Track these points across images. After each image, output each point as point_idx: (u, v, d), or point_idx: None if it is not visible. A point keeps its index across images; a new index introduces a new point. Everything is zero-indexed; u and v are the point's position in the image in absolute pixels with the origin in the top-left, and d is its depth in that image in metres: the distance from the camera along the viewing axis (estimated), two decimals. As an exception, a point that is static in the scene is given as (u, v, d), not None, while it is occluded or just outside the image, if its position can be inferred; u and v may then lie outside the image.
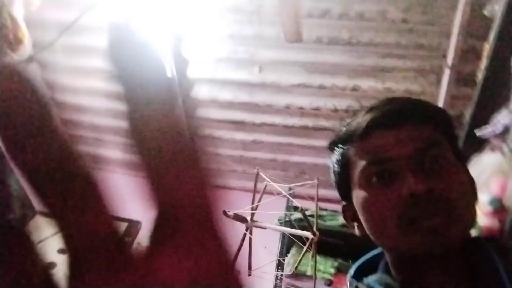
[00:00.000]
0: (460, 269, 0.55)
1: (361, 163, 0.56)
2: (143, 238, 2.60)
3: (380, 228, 0.55)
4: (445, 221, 0.50)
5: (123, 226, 2.75)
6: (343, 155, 0.61)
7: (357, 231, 0.63)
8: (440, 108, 0.61)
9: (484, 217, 1.39)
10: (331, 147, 0.64)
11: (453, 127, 0.61)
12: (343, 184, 0.62)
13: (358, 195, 0.58)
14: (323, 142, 2.60)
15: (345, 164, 0.60)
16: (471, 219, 0.55)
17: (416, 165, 0.52)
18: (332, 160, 0.64)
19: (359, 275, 0.62)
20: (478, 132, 1.46)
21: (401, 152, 0.53)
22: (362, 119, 0.58)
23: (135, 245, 2.62)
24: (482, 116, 1.68)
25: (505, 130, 1.29)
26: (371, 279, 0.57)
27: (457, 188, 0.52)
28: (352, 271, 0.64)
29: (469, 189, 0.56)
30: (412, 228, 0.51)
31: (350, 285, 0.60)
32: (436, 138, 0.55)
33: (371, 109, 0.59)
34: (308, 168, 2.80)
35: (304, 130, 2.60)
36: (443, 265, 0.54)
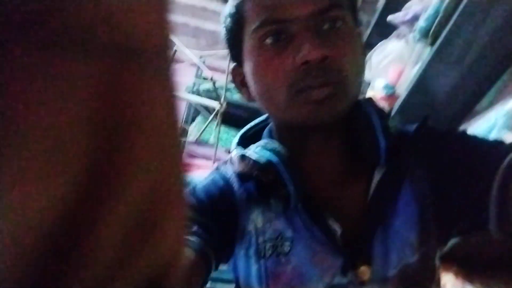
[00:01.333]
0: (342, 133, 0.57)
1: (256, 21, 0.51)
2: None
3: (268, 95, 0.53)
4: (334, 93, 0.49)
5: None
6: (237, 8, 0.54)
7: (245, 96, 0.61)
8: None
9: (377, 101, 1.52)
10: None
11: None
12: (235, 42, 0.56)
13: (249, 58, 0.54)
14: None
15: (238, 20, 0.54)
16: (358, 91, 0.55)
17: (313, 28, 0.49)
18: (225, 13, 0.57)
19: (243, 144, 0.61)
20: (389, 18, 1.48)
21: (299, 13, 0.49)
22: None
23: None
24: (395, 3, 1.70)
25: (414, 18, 1.33)
26: (257, 145, 0.56)
27: (350, 58, 0.51)
28: (236, 139, 0.63)
29: (362, 60, 0.56)
30: (301, 98, 0.50)
31: (235, 153, 0.58)
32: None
33: None
34: (221, 38, 2.70)
35: (220, -5, 2.43)
36: (327, 134, 0.56)
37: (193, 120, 2.18)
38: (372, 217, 0.54)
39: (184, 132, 2.09)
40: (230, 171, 0.60)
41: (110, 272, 0.12)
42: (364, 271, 0.52)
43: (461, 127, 1.14)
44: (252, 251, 0.55)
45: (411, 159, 0.57)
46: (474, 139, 0.57)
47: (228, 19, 0.56)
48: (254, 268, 0.55)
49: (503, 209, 0.47)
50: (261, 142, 0.56)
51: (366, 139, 0.54)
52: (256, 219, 0.56)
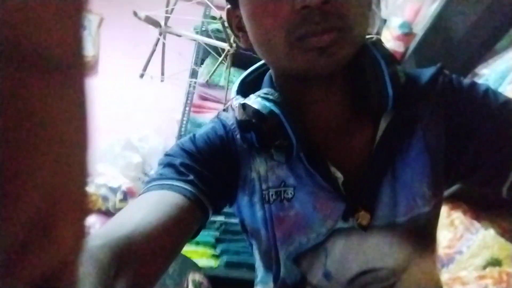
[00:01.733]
0: (346, 80, 0.55)
1: None
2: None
3: (266, 42, 0.49)
4: (336, 40, 0.46)
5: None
6: None
7: (242, 41, 0.57)
8: None
9: (391, 40, 1.47)
10: None
11: None
12: None
13: (246, 3, 0.50)
14: None
15: None
16: (364, 37, 0.51)
17: None
18: None
19: (244, 90, 0.59)
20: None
21: None
22: None
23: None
24: None
25: (435, -49, 1.25)
26: (257, 95, 0.52)
27: (354, 2, 0.46)
28: (235, 85, 0.60)
29: (367, 4, 0.51)
30: (301, 45, 0.46)
31: (235, 101, 0.55)
32: None
33: None
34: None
35: None
36: (330, 82, 0.53)
37: (202, 61, 2.15)
38: (377, 165, 0.53)
39: (194, 73, 2.07)
40: (231, 119, 0.59)
41: (2, 270, 0.13)
42: (364, 216, 0.52)
43: (480, 67, 1.12)
44: (256, 197, 0.56)
45: (424, 107, 0.56)
46: (494, 97, 0.54)
47: None
48: (259, 213, 0.56)
49: None
50: (262, 91, 0.53)
51: (372, 86, 0.51)
52: (259, 167, 0.56)
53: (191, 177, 0.51)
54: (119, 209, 1.78)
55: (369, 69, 0.52)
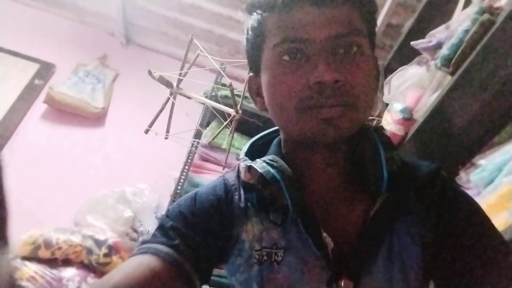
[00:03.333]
0: (347, 156, 0.59)
1: (276, 37, 0.54)
2: (56, 82, 2.43)
3: (280, 107, 0.55)
4: (342, 114, 0.51)
5: (34, 67, 2.52)
6: (259, 23, 0.56)
7: (258, 105, 0.63)
8: None
9: (392, 123, 1.52)
10: (250, 9, 0.58)
11: (377, 11, 0.59)
12: (254, 54, 0.59)
13: (266, 70, 0.56)
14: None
15: (260, 34, 0.56)
16: (368, 115, 0.56)
17: (330, 50, 0.52)
18: (247, 24, 0.59)
19: (252, 153, 0.63)
20: (413, 43, 1.50)
21: (318, 35, 0.51)
22: None
23: (46, 88, 2.45)
24: (421, 29, 1.71)
25: (438, 46, 1.34)
26: (263, 160, 0.57)
27: (362, 84, 0.52)
28: (245, 147, 0.65)
29: (374, 85, 0.57)
30: (310, 114, 0.52)
31: (242, 162, 0.60)
32: (356, 24, 0.53)
33: None
34: (243, 49, 2.72)
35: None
36: (332, 153, 0.58)
37: (208, 124, 2.20)
38: (367, 239, 0.55)
39: (198, 134, 2.10)
40: (234, 179, 0.63)
41: None
42: (347, 284, 0.52)
43: (477, 158, 1.14)
44: (246, 257, 0.58)
45: (418, 198, 0.59)
46: (484, 218, 0.58)
47: (250, 32, 0.58)
48: (253, 273, 0.57)
49: None
50: (268, 157, 0.58)
51: (369, 168, 0.56)
52: (255, 227, 0.58)
53: (176, 241, 0.54)
54: (102, 264, 1.69)
55: (368, 152, 0.56)
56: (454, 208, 0.58)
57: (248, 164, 0.57)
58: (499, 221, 0.92)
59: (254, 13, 0.57)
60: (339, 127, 0.52)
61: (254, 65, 0.60)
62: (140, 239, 0.48)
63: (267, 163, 0.56)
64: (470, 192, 1.15)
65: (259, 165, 0.56)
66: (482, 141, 1.31)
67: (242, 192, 0.60)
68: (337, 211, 0.58)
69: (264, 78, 0.57)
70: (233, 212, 0.60)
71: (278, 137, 0.65)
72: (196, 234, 0.56)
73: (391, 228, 0.56)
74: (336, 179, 0.59)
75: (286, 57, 0.53)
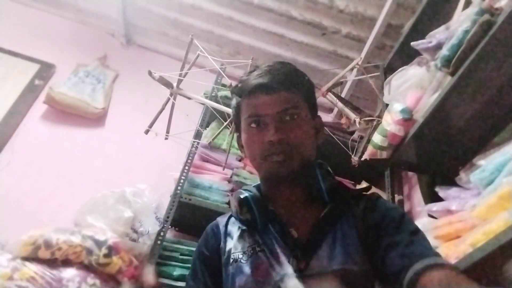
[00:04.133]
0: (303, 182, 0.86)
1: (246, 113, 0.85)
2: (56, 83, 2.44)
3: (252, 157, 0.86)
4: (286, 159, 0.81)
5: (34, 67, 2.52)
6: (237, 104, 0.89)
7: (243, 154, 0.93)
8: (305, 78, 0.89)
9: (392, 124, 1.52)
10: (232, 92, 0.91)
11: (313, 90, 0.91)
12: (237, 122, 0.91)
13: (243, 134, 0.88)
14: (264, 24, 2.53)
15: (238, 111, 0.89)
16: (309, 156, 0.85)
17: (277, 120, 0.82)
18: (232, 103, 0.92)
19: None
20: (413, 43, 1.50)
21: (269, 111, 0.82)
22: (249, 82, 0.85)
23: (46, 89, 2.45)
24: (421, 29, 1.72)
25: (438, 46, 1.34)
26: (242, 189, 0.89)
27: (301, 137, 0.83)
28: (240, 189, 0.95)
29: (313, 136, 0.87)
30: (268, 161, 0.82)
31: (233, 198, 0.90)
32: (296, 101, 0.84)
33: (258, 75, 0.85)
34: (244, 49, 2.72)
35: (247, 6, 2.46)
36: (291, 183, 0.86)
37: (208, 124, 2.20)
38: (317, 232, 0.81)
39: (198, 135, 2.10)
40: (220, 220, 0.96)
41: None
42: (301, 262, 0.78)
43: (477, 158, 1.14)
44: (241, 257, 0.84)
45: (354, 206, 0.84)
46: (407, 221, 0.80)
47: (233, 108, 0.92)
48: (246, 266, 0.82)
49: None
50: (247, 186, 0.91)
51: (314, 185, 0.85)
52: (239, 238, 0.87)
53: (199, 275, 0.90)
54: (102, 264, 1.68)
55: (314, 177, 0.86)
56: (375, 206, 0.83)
57: (232, 193, 0.90)
58: (499, 222, 0.92)
59: (235, 97, 0.89)
60: (286, 167, 0.81)
61: (237, 129, 0.92)
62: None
63: (244, 189, 0.89)
64: (469, 193, 1.16)
65: (239, 192, 0.88)
66: (482, 141, 1.32)
67: (223, 225, 0.93)
68: (298, 217, 0.85)
69: (242, 138, 0.89)
70: (220, 235, 0.92)
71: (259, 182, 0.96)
72: (211, 268, 0.89)
73: (335, 224, 0.82)
74: (297, 197, 0.87)
75: (252, 125, 0.85)
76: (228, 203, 1.88)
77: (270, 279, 0.78)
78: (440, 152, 1.49)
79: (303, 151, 0.83)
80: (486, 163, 1.08)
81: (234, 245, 0.87)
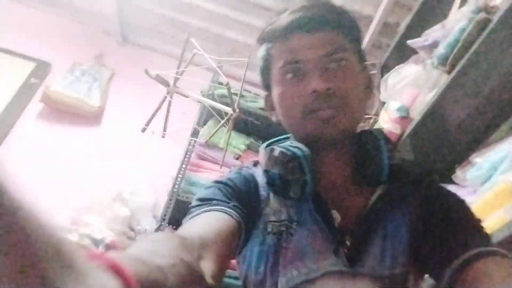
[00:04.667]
0: (351, 151, 0.69)
1: (280, 62, 0.67)
2: (52, 81, 2.42)
3: (288, 114, 0.67)
4: (336, 114, 0.63)
5: (30, 66, 2.51)
6: (266, 51, 0.70)
7: (273, 117, 0.74)
8: (351, 17, 0.71)
9: (389, 122, 1.52)
10: (259, 41, 0.72)
11: (360, 33, 0.72)
12: (266, 76, 0.72)
13: (275, 87, 0.69)
14: (260, 22, 2.53)
15: (267, 60, 0.70)
16: (360, 115, 0.69)
17: (322, 67, 0.64)
18: (258, 54, 0.72)
19: (269, 144, 0.73)
20: (409, 42, 1.50)
21: (311, 56, 0.64)
22: (283, 21, 0.67)
23: (42, 87, 2.44)
24: (417, 27, 1.72)
25: (434, 44, 1.34)
26: (284, 144, 0.67)
27: (352, 88, 0.65)
28: (264, 144, 0.75)
29: (363, 89, 0.69)
30: (310, 117, 0.64)
31: (264, 151, 0.69)
32: (343, 43, 0.66)
33: (292, 12, 0.67)
34: (240, 47, 2.72)
35: (244, 4, 2.46)
36: (337, 149, 0.68)
37: (205, 123, 2.20)
38: (369, 220, 0.65)
39: (195, 133, 2.10)
40: (254, 169, 0.73)
41: None
42: (351, 254, 0.62)
43: (473, 156, 1.15)
44: (267, 227, 0.66)
45: (412, 191, 0.68)
46: (465, 212, 0.66)
47: (260, 59, 0.72)
48: (269, 241, 0.65)
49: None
50: (288, 142, 0.69)
51: (373, 158, 0.66)
52: (274, 204, 0.68)
53: (233, 203, 0.62)
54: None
55: (372, 146, 0.67)
56: (437, 197, 0.68)
57: (270, 147, 0.67)
58: (495, 219, 0.92)
59: (262, 44, 0.71)
60: (334, 126, 0.64)
61: (267, 85, 0.73)
62: (194, 201, 0.63)
63: (288, 145, 0.67)
64: (466, 190, 1.16)
65: (280, 147, 0.66)
66: (479, 140, 1.32)
67: (261, 178, 0.70)
68: (343, 198, 0.68)
69: (274, 94, 0.70)
70: (259, 192, 0.69)
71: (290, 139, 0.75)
72: (241, 203, 0.64)
73: (388, 213, 0.66)
74: (343, 172, 0.69)
75: (289, 75, 0.66)
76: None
77: (300, 269, 0.62)
78: (437, 150, 1.50)
79: (355, 107, 0.65)
80: (482, 161, 1.09)
81: (277, 210, 0.67)
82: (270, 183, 0.67)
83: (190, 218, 0.60)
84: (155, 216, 1.96)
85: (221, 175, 2.04)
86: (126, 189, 2.00)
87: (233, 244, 0.59)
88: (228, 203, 0.61)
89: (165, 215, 1.86)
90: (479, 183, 1.09)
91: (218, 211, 0.59)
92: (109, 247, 1.72)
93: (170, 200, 1.89)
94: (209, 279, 0.42)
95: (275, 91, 0.69)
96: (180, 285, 0.34)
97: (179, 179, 1.95)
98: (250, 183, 0.69)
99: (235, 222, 0.59)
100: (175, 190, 1.91)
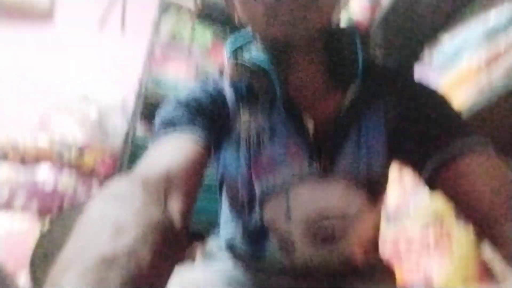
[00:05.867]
0: (323, 51, 0.62)
1: None
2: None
3: (250, 19, 0.59)
4: (306, 13, 0.54)
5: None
6: None
7: (236, 19, 0.66)
8: None
9: (359, 11, 1.47)
10: None
11: None
12: None
13: None
14: None
15: None
16: (333, 9, 0.59)
17: None
18: None
19: (235, 52, 0.66)
20: None
21: None
22: None
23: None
24: None
25: None
26: (249, 54, 0.61)
27: None
28: (228, 50, 0.67)
29: None
30: (276, 19, 0.55)
31: (228, 61, 0.64)
32: None
33: None
34: None
35: None
36: (307, 50, 0.62)
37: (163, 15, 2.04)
38: (343, 123, 0.62)
39: (157, 30, 1.98)
40: (221, 80, 0.68)
41: None
42: (325, 159, 0.61)
43: (442, 37, 1.14)
44: (240, 142, 0.64)
45: (386, 90, 0.64)
46: (444, 106, 0.61)
47: None
48: (242, 154, 0.64)
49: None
50: (253, 52, 0.61)
51: (346, 57, 0.60)
52: (244, 116, 0.65)
53: (199, 124, 0.58)
54: (75, 165, 1.68)
55: (345, 41, 0.60)
56: (414, 92, 0.63)
57: (236, 62, 0.61)
58: (459, 99, 0.96)
59: None
60: (304, 27, 0.55)
61: None
62: (158, 122, 0.59)
63: (253, 57, 0.60)
64: (432, 72, 1.19)
65: (246, 59, 0.60)
66: (448, 21, 1.31)
67: (228, 90, 0.66)
68: (316, 101, 0.64)
69: None
70: (227, 105, 0.65)
71: (256, 41, 0.67)
72: (207, 118, 0.60)
73: (362, 114, 0.63)
74: (313, 74, 0.64)
75: None
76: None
77: (275, 178, 0.62)
78: (407, 36, 1.48)
79: (325, 4, 0.56)
80: (450, 41, 1.09)
81: (246, 122, 0.65)
82: (238, 95, 0.64)
83: (155, 142, 0.56)
84: (125, 115, 1.93)
85: (188, 70, 1.96)
86: (91, 89, 1.93)
87: (200, 173, 0.55)
88: (193, 123, 0.58)
89: (135, 116, 1.84)
90: (446, 63, 1.10)
91: (183, 135, 0.56)
92: (82, 151, 1.72)
93: (139, 103, 1.86)
94: (178, 222, 0.41)
95: None
96: (156, 254, 0.33)
97: (145, 78, 1.89)
98: (216, 98, 0.64)
99: (202, 145, 0.56)
100: (143, 90, 1.87)
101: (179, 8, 1.66)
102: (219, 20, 2.08)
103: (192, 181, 0.51)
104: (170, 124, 0.58)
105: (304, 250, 0.64)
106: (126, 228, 0.33)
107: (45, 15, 2.24)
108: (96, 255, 0.30)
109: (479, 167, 0.51)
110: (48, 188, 1.60)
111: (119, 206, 0.36)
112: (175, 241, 0.38)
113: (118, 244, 0.31)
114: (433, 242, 0.90)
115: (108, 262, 0.29)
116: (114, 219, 0.34)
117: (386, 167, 0.64)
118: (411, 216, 0.99)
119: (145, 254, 0.32)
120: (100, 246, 0.31)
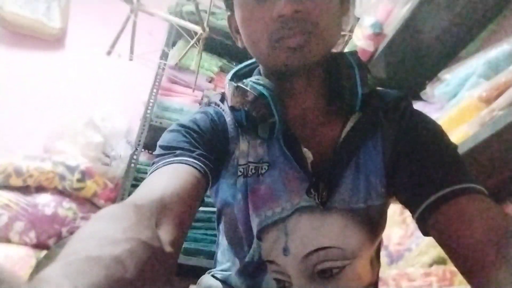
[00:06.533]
0: (323, 79, 0.64)
1: None
2: (5, 1, 2.21)
3: (253, 43, 0.60)
4: (307, 41, 0.56)
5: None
6: None
7: (239, 43, 0.66)
8: None
9: (362, 39, 1.49)
10: None
11: None
12: None
13: (237, 9, 0.61)
14: None
15: None
16: (334, 39, 0.60)
17: None
18: None
19: (236, 79, 0.67)
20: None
21: None
22: None
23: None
24: None
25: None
26: (250, 80, 0.62)
27: (324, 11, 0.56)
28: (229, 75, 0.69)
29: (337, 7, 0.60)
30: (279, 46, 0.56)
31: (229, 86, 0.64)
32: None
33: None
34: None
35: None
36: (307, 78, 0.63)
37: (174, 44, 2.10)
38: (342, 154, 0.61)
39: (165, 55, 2.02)
40: (222, 106, 0.68)
41: None
42: (323, 191, 0.60)
43: (443, 72, 1.15)
44: (238, 171, 0.64)
45: (385, 119, 0.64)
46: (442, 141, 0.61)
47: None
48: (239, 184, 0.63)
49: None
50: (253, 78, 0.62)
51: (345, 86, 0.60)
52: (243, 145, 0.64)
53: (198, 152, 0.58)
54: (77, 189, 1.69)
55: (344, 72, 0.61)
56: (413, 126, 0.63)
57: (236, 85, 0.62)
58: (459, 134, 0.96)
59: None
60: (305, 54, 0.56)
61: (229, 5, 0.65)
62: (158, 149, 0.58)
63: (254, 82, 0.61)
64: (433, 107, 1.19)
65: (246, 85, 0.61)
66: (450, 56, 1.32)
67: (229, 115, 0.66)
68: (314, 130, 0.64)
69: (237, 16, 0.62)
70: (227, 131, 0.65)
71: (258, 69, 0.70)
72: (207, 147, 0.60)
73: (361, 144, 0.62)
74: (313, 102, 0.64)
75: None
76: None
77: (273, 209, 0.61)
78: (409, 67, 1.49)
79: (328, 31, 0.57)
80: (451, 77, 1.10)
81: (245, 151, 0.64)
82: (238, 121, 0.63)
83: (153, 171, 0.56)
84: (129, 142, 1.95)
85: (194, 98, 2.00)
86: (97, 114, 1.96)
87: (196, 201, 0.54)
88: (192, 151, 0.57)
89: (139, 140, 1.85)
90: (446, 99, 1.11)
91: (181, 162, 0.55)
92: (84, 173, 1.73)
93: (144, 125, 1.87)
94: (167, 247, 0.39)
95: (238, 14, 0.61)
96: (141, 270, 0.32)
97: (151, 104, 1.91)
98: (217, 125, 0.64)
99: (199, 174, 0.55)
100: (148, 115, 1.89)
101: (187, 36, 1.70)
102: (227, 52, 2.14)
103: (186, 209, 0.49)
104: (170, 152, 0.57)
105: (301, 286, 0.62)
106: (115, 241, 0.32)
107: (56, 39, 2.30)
108: (82, 255, 0.29)
109: (471, 210, 0.49)
110: (48, 213, 1.60)
111: (111, 224, 0.36)
112: (162, 263, 0.37)
113: (105, 251, 0.30)
114: (435, 283, 0.88)
115: (93, 260, 0.29)
116: (104, 233, 0.34)
117: (384, 201, 0.63)
118: (413, 257, 0.97)
119: (131, 266, 0.31)
120: (86, 251, 0.30)
